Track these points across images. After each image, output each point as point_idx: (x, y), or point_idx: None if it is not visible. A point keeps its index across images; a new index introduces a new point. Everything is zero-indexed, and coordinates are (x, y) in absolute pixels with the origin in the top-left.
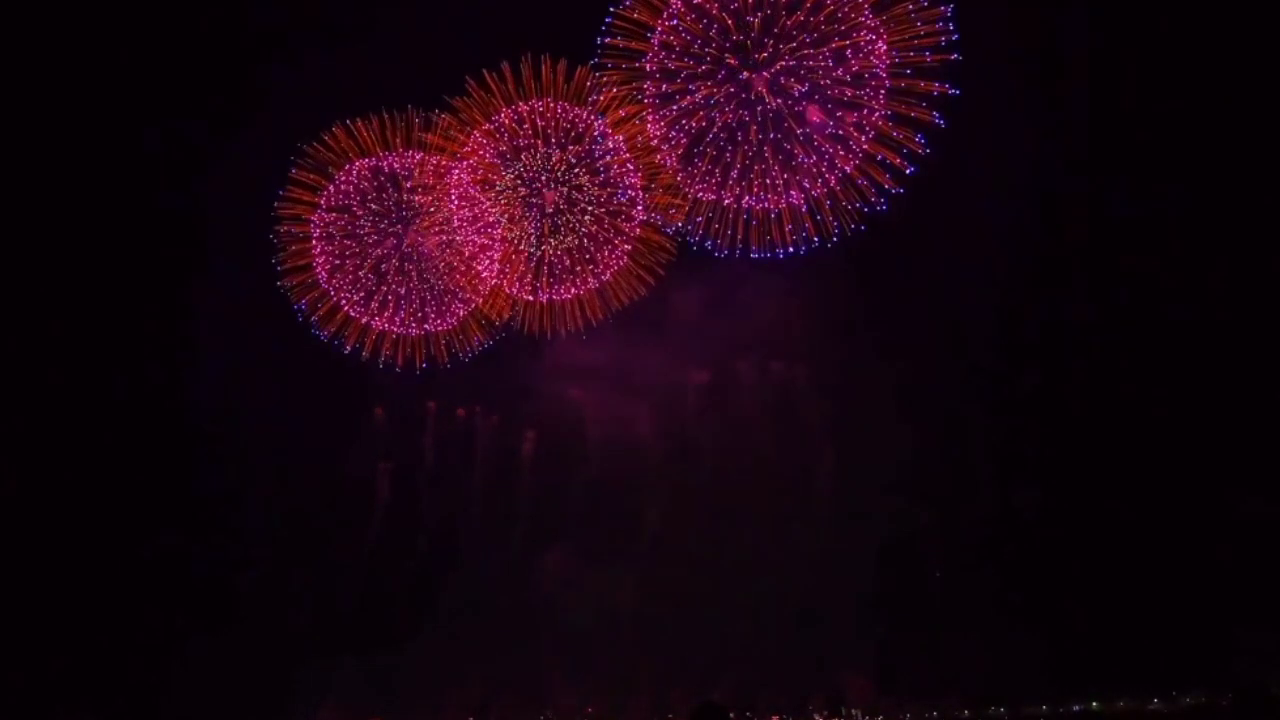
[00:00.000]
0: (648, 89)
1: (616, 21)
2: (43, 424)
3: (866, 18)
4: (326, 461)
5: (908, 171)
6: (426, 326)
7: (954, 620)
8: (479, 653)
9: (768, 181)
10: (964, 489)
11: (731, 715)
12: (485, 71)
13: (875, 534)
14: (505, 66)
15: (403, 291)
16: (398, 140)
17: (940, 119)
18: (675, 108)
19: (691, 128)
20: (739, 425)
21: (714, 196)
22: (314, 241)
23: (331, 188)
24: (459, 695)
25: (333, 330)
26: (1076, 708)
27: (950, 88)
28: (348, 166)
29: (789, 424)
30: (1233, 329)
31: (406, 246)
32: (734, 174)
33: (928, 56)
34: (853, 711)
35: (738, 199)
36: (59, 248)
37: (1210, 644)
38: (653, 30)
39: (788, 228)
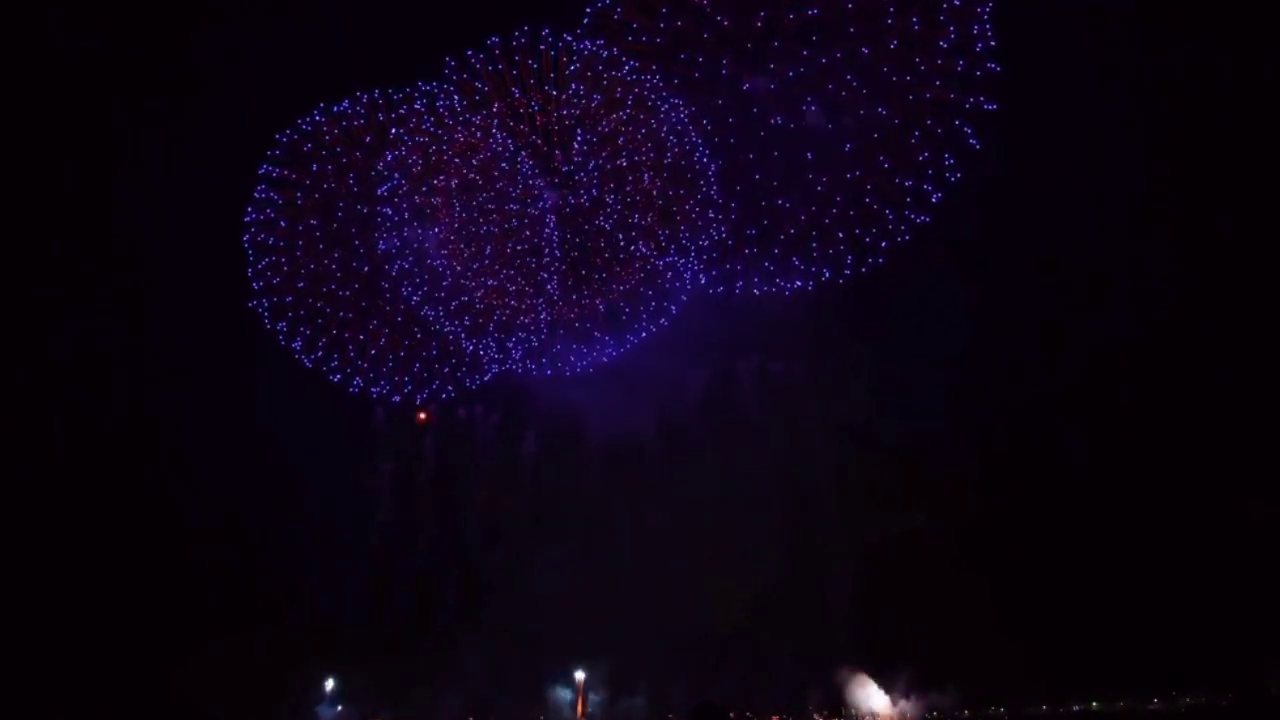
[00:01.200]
0: (634, 100)
1: (597, 21)
2: (48, 432)
3: (888, 20)
4: (328, 462)
5: (933, 199)
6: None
7: (953, 620)
8: (479, 653)
9: (769, 205)
10: (964, 489)
11: (731, 715)
12: (472, 54)
13: (875, 534)
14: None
15: (402, 307)
16: (390, 128)
17: (973, 137)
18: (666, 127)
19: (687, 144)
20: (739, 426)
21: (710, 221)
22: (298, 251)
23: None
24: (459, 695)
25: (320, 355)
26: (1076, 708)
27: (986, 101)
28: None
29: (789, 425)
30: (1236, 330)
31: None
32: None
33: (960, 65)
34: (853, 711)
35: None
36: (59, 252)
37: (1210, 644)
38: (640, 33)
39: (794, 260)
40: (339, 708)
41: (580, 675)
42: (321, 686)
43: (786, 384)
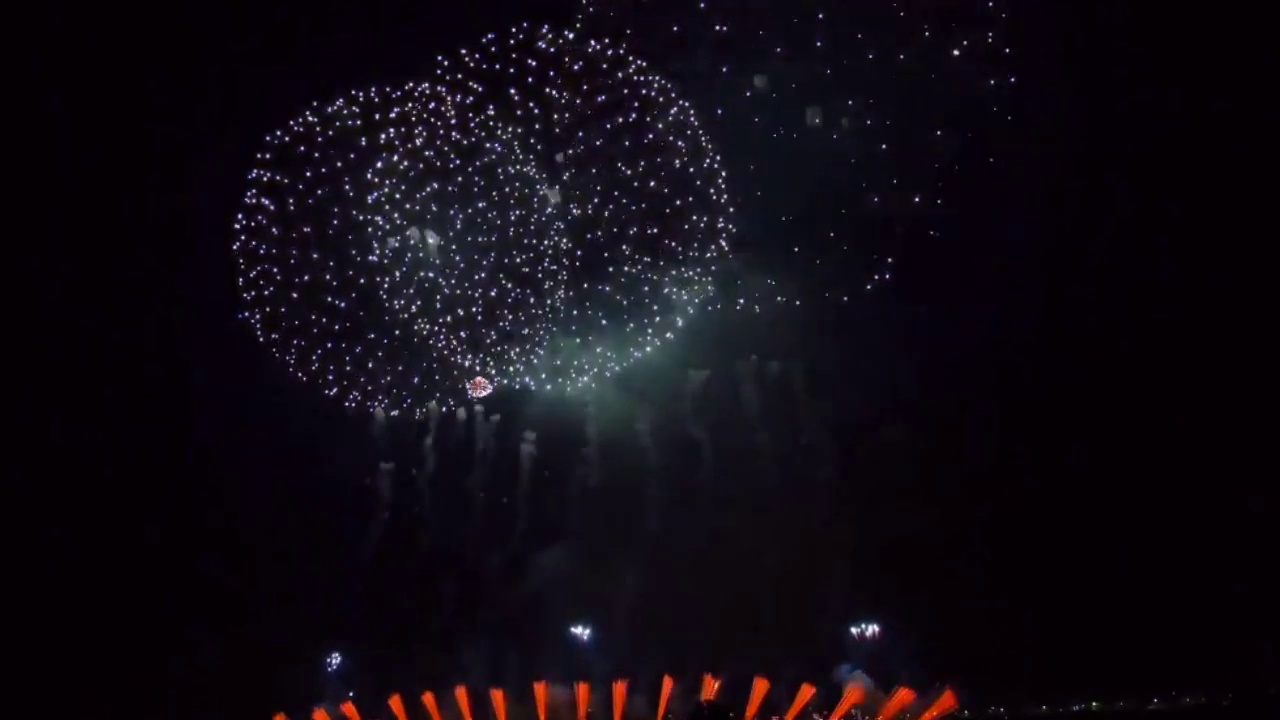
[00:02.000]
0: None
1: (591, 22)
2: (47, 433)
3: (895, 25)
4: (327, 462)
5: (937, 201)
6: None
7: (954, 619)
8: (479, 653)
9: (770, 217)
10: (965, 487)
11: (731, 715)
12: (468, 52)
13: (875, 532)
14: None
15: (401, 318)
16: (385, 128)
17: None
18: (671, 131)
19: (692, 149)
20: (738, 425)
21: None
22: (291, 260)
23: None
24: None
25: (315, 369)
26: (1076, 708)
27: (998, 110)
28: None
29: (788, 424)
30: (1238, 326)
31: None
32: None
33: (971, 71)
34: (853, 711)
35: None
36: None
37: (1210, 644)
38: (635, 36)
39: (796, 274)
40: (349, 693)
41: (584, 632)
42: (325, 667)
43: (786, 384)
